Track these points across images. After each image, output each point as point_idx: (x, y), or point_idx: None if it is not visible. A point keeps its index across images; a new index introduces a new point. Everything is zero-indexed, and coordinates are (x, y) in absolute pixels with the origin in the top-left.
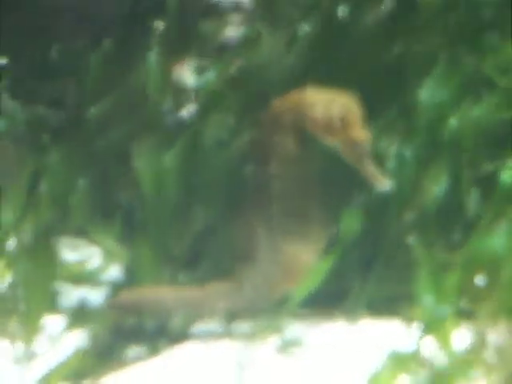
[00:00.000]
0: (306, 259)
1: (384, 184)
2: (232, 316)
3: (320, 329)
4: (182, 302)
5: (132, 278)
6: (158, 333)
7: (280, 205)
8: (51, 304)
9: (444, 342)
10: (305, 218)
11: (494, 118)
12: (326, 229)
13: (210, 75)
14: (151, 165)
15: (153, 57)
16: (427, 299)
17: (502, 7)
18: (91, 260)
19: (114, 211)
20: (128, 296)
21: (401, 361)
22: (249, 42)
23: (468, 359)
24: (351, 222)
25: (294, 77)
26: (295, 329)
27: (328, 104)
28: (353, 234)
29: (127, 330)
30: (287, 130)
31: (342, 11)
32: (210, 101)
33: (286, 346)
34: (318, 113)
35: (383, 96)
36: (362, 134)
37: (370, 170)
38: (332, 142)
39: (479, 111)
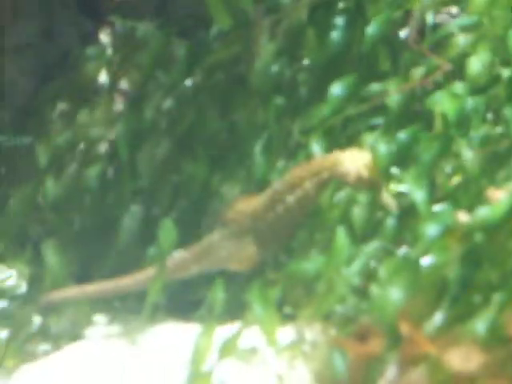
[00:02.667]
0: (254, 258)
1: (393, 206)
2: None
3: (177, 332)
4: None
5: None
6: (60, 332)
7: (275, 223)
8: None
9: (271, 339)
10: (279, 237)
11: None
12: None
13: None
14: None
15: None
16: (257, 307)
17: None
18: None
19: (25, 241)
20: (56, 294)
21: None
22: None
23: (291, 352)
24: (168, 234)
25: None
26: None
27: (355, 160)
28: (172, 244)
29: (36, 328)
30: (321, 181)
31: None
32: None
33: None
34: (350, 169)
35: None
36: (378, 177)
37: (386, 197)
38: (360, 187)
39: None
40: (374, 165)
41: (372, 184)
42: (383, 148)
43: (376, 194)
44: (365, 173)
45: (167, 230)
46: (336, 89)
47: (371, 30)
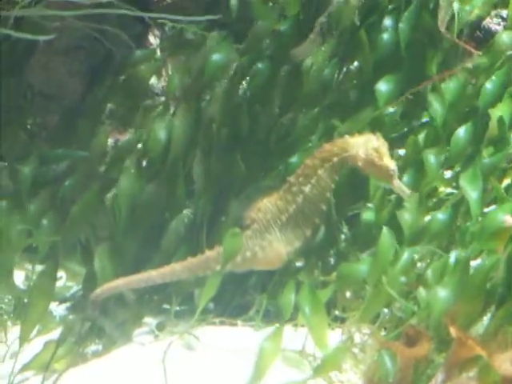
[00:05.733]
0: (282, 255)
1: (408, 194)
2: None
3: (228, 334)
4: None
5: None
6: (110, 334)
7: (297, 214)
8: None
9: (320, 341)
10: (304, 228)
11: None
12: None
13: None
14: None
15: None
16: (307, 309)
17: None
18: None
19: (75, 243)
20: (106, 286)
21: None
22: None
23: (340, 354)
24: (233, 242)
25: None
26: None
27: (365, 144)
28: (235, 252)
29: (86, 331)
30: (332, 166)
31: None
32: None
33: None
34: (359, 152)
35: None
36: (390, 161)
37: (399, 185)
38: (370, 171)
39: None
40: (385, 149)
41: (383, 169)
42: (433, 159)
43: (388, 180)
44: (375, 157)
45: (233, 237)
46: (383, 86)
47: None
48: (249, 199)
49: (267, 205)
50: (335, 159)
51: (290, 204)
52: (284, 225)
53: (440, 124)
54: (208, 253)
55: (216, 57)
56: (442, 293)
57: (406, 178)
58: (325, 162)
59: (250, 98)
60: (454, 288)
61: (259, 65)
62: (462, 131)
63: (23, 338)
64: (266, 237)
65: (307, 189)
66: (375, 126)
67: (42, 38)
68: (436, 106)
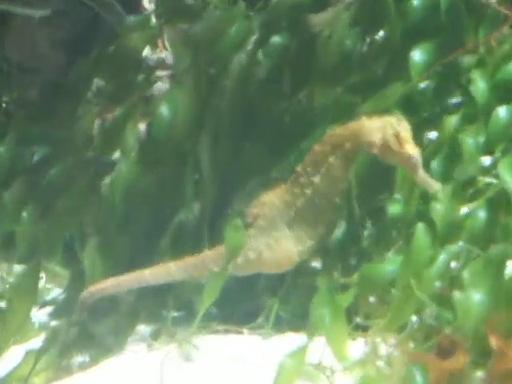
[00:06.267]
0: (292, 255)
1: (436, 187)
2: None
3: (234, 342)
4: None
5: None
6: (98, 343)
7: (307, 209)
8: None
9: (340, 352)
10: (317, 225)
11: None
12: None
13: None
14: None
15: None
16: (325, 316)
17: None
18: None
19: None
20: (96, 286)
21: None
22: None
23: (362, 367)
24: (236, 236)
25: (205, 130)
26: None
27: (383, 128)
28: (239, 248)
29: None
30: (345, 153)
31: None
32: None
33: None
34: (376, 137)
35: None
36: (413, 148)
37: (424, 177)
38: (390, 159)
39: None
40: (407, 134)
41: (404, 157)
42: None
43: (410, 170)
44: (394, 143)
45: (236, 230)
46: (418, 55)
47: None
48: (255, 192)
49: (273, 198)
50: (347, 145)
51: (298, 197)
52: (293, 221)
53: (481, 104)
54: (207, 252)
55: (233, 29)
56: (478, 296)
57: (437, 165)
58: (336, 149)
59: (266, 74)
60: (490, 291)
61: (277, 38)
62: (502, 111)
63: (2, 347)
64: (273, 234)
65: (317, 179)
66: (403, 104)
67: (37, 13)
68: (480, 84)
